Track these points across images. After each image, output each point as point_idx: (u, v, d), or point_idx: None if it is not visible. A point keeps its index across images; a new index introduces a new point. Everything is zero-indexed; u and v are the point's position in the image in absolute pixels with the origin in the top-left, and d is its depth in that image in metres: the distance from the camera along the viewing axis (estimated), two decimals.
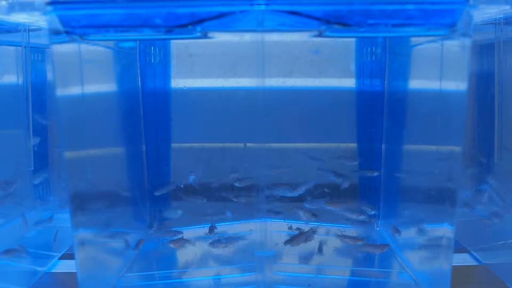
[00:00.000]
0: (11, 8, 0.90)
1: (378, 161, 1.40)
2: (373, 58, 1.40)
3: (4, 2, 0.90)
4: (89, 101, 1.04)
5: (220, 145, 1.40)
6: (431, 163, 1.08)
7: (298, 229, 1.32)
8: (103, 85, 1.19)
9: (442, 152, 1.03)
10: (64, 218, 1.34)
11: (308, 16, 0.94)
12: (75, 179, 0.98)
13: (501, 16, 1.05)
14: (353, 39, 1.39)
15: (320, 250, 1.27)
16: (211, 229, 1.34)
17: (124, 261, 1.22)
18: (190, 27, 0.95)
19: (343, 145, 1.42)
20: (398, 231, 1.27)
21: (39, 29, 1.10)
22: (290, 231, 1.33)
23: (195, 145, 1.43)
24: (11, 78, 1.20)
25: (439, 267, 1.01)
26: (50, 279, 1.22)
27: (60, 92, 0.94)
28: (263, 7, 0.92)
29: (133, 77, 1.38)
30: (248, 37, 1.14)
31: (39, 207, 1.29)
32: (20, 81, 1.19)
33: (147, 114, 1.40)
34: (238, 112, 1.34)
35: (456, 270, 1.01)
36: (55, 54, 0.93)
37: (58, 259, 1.31)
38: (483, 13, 0.97)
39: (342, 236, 1.31)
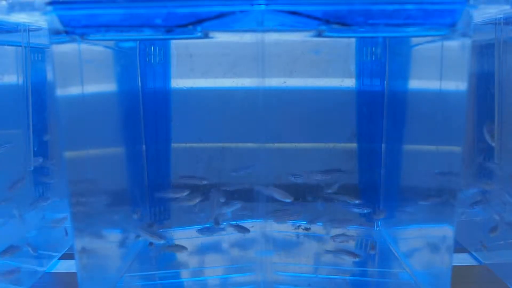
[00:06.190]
0: (11, 8, 0.90)
1: (378, 161, 1.40)
2: (373, 58, 1.40)
3: (4, 2, 0.90)
4: (89, 101, 1.04)
5: (220, 145, 1.40)
6: (431, 163, 1.08)
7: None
8: (103, 85, 1.19)
9: (442, 152, 1.03)
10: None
11: (308, 16, 0.94)
12: (75, 179, 0.98)
13: (501, 16, 1.05)
14: (353, 39, 1.39)
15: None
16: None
17: (124, 261, 1.22)
18: (190, 27, 0.95)
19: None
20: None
21: (39, 29, 1.10)
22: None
23: (195, 145, 1.43)
24: (11, 78, 1.20)
25: (439, 267, 1.01)
26: (50, 279, 1.22)
27: (60, 92, 0.94)
28: (263, 7, 0.92)
29: (133, 77, 1.38)
30: (248, 37, 1.14)
31: (39, 207, 1.29)
32: (20, 81, 1.19)
33: (147, 114, 1.40)
34: (238, 112, 1.34)
35: (456, 270, 1.01)
36: (55, 54, 0.93)
37: (58, 259, 1.31)
38: (483, 13, 0.97)
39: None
